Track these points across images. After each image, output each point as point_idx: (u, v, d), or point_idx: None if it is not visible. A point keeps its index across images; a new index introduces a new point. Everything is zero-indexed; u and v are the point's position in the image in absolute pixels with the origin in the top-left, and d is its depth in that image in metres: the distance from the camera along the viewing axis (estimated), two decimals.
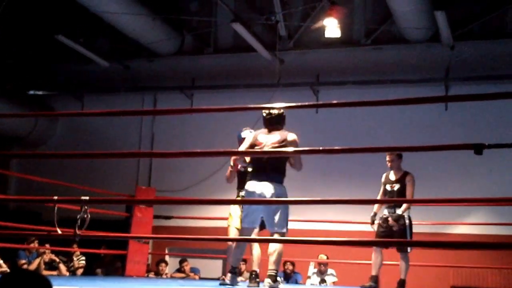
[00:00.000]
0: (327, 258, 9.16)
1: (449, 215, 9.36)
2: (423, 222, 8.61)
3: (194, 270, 9.69)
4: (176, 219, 9.37)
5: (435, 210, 9.45)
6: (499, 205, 8.99)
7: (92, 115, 10.59)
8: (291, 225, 9.54)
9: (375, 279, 6.59)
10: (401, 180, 6.70)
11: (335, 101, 7.46)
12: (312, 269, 9.23)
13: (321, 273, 9.10)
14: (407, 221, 6.51)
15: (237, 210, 6.11)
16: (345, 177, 10.41)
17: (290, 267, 9.37)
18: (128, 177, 11.50)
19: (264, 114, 5.54)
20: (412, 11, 9.56)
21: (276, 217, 5.30)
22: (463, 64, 10.21)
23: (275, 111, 5.51)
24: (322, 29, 10.04)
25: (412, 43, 10.57)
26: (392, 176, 6.79)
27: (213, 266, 10.70)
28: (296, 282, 9.10)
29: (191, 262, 9.77)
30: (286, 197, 5.38)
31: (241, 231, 5.64)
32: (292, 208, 10.22)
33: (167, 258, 10.39)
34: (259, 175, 5.34)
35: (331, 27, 9.77)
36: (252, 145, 5.41)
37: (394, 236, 6.42)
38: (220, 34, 11.75)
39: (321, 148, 4.87)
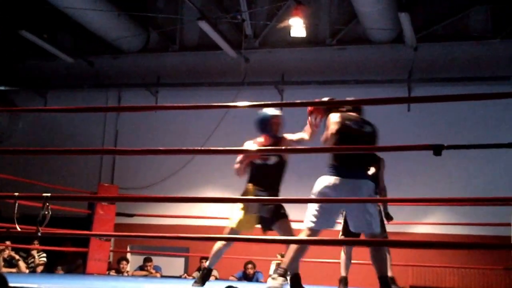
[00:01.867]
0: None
1: (410, 215, 9.47)
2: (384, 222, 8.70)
3: (156, 268, 9.65)
4: (139, 216, 9.31)
5: (396, 209, 9.54)
6: (458, 205, 9.14)
7: (55, 112, 10.48)
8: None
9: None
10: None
11: (299, 101, 7.50)
12: (273, 268, 9.25)
13: None
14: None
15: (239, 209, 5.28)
16: (308, 176, 10.45)
17: (251, 267, 9.37)
18: (91, 174, 11.40)
19: None
20: (377, 12, 9.66)
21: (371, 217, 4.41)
22: (426, 66, 10.36)
23: None
24: (287, 29, 10.12)
25: (376, 43, 10.70)
26: None
27: (175, 264, 10.68)
28: (258, 281, 9.11)
29: (153, 260, 9.72)
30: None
31: (312, 233, 4.56)
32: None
33: (128, 256, 10.33)
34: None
35: (297, 26, 9.85)
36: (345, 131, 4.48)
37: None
38: (186, 31, 11.72)
39: (283, 147, 4.90)
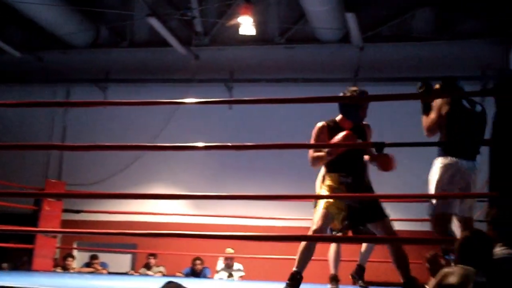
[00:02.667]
0: (234, 252, 9.29)
1: None
2: None
3: (102, 265, 9.62)
4: (86, 213, 9.25)
5: None
6: (406, 201, 9.35)
7: (2, 106, 10.29)
8: (202, 220, 9.71)
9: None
10: None
11: (248, 98, 7.61)
12: (220, 264, 9.34)
13: (228, 267, 9.22)
14: None
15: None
16: (257, 172, 10.58)
17: (199, 263, 9.43)
18: (38, 170, 11.27)
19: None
20: (324, 12, 9.83)
21: None
22: (371, 65, 10.59)
23: None
24: (237, 27, 10.20)
25: (324, 43, 10.88)
26: None
27: (122, 261, 10.66)
28: (205, 277, 9.18)
29: (100, 257, 9.69)
30: None
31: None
32: (204, 203, 10.40)
33: (75, 252, 10.26)
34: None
35: (246, 25, 9.94)
36: None
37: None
38: (136, 28, 11.69)
39: (230, 144, 4.92)
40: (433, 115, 4.58)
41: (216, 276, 9.18)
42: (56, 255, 9.37)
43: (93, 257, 9.55)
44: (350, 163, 4.62)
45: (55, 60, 11.87)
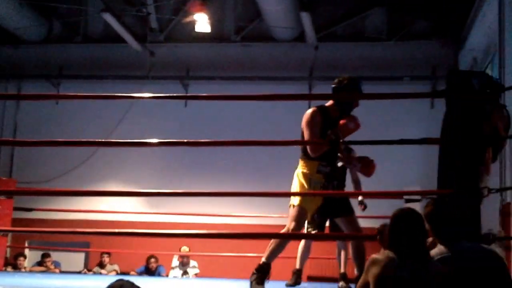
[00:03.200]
0: (189, 250, 9.28)
1: None
2: (284, 215, 8.97)
3: (55, 264, 9.47)
4: (38, 211, 9.09)
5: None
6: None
7: None
8: (157, 218, 9.66)
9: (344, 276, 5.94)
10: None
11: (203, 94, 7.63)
12: (175, 261, 9.31)
13: (183, 265, 9.20)
14: None
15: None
16: (212, 170, 10.58)
17: (153, 262, 9.38)
18: None
19: None
20: (280, 10, 9.90)
21: None
22: (326, 64, 10.69)
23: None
24: (193, 24, 10.18)
25: (280, 41, 10.95)
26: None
27: (75, 259, 10.53)
28: (160, 275, 9.14)
29: (52, 255, 9.54)
30: None
31: None
32: (159, 201, 10.34)
33: (26, 251, 10.09)
34: None
35: (201, 22, 9.94)
36: None
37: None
38: (90, 23, 11.56)
39: (185, 140, 4.93)
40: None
41: (171, 274, 9.15)
42: (6, 254, 9.20)
43: (45, 256, 9.39)
44: (331, 153, 4.58)
45: (7, 55, 11.65)
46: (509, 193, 6.32)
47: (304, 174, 4.53)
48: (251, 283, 4.36)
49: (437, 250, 3.12)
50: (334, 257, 9.33)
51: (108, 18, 10.13)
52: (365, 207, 6.31)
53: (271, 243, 4.47)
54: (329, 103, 4.61)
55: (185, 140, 4.74)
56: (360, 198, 6.33)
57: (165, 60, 11.16)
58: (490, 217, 6.56)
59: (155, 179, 10.45)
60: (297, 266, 5.85)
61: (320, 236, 5.90)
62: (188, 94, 10.78)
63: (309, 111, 4.53)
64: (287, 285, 5.79)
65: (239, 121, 10.62)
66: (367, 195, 7.06)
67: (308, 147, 4.47)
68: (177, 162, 10.69)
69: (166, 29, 11.28)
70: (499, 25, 6.98)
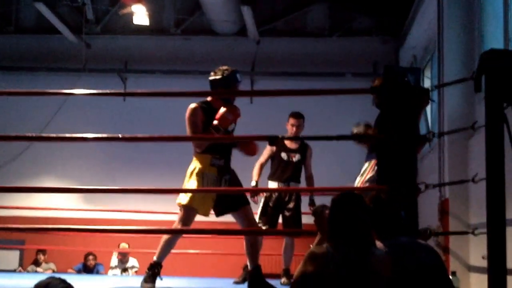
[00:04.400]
0: (129, 247, 9.13)
1: None
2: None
3: None
4: None
5: None
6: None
7: None
8: (94, 215, 9.44)
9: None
10: (301, 150, 6.08)
11: (140, 90, 7.50)
12: (114, 259, 9.13)
13: (123, 263, 9.03)
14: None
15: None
16: (149, 166, 10.42)
17: (92, 259, 9.18)
18: None
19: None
20: (220, 4, 9.79)
21: None
22: (268, 59, 10.65)
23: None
24: (131, 15, 9.97)
25: (221, 35, 10.85)
26: (291, 144, 6.08)
27: (9, 257, 10.19)
28: (98, 273, 8.95)
29: None
30: None
31: None
32: (95, 197, 10.12)
33: None
34: None
35: (139, 14, 9.75)
36: None
37: (288, 215, 5.91)
38: (23, 13, 11.16)
39: (120, 135, 4.79)
40: None
41: (110, 272, 8.96)
42: None
43: None
44: (224, 145, 4.61)
45: None
46: (448, 189, 6.43)
47: (196, 171, 4.51)
48: (142, 281, 4.44)
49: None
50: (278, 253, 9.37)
51: (41, 8, 9.77)
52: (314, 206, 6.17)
53: (162, 242, 4.50)
54: (209, 98, 4.73)
55: (120, 136, 4.58)
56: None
57: (102, 52, 10.86)
58: (429, 213, 6.68)
59: (91, 174, 10.21)
60: (283, 266, 6.03)
61: (266, 232, 5.92)
62: (126, 91, 10.49)
63: (191, 106, 4.64)
64: (234, 282, 5.79)
65: (178, 115, 10.44)
66: (305, 191, 7.08)
67: (193, 143, 4.58)
68: (114, 158, 10.46)
69: (102, 20, 11.01)
70: (438, 23, 7.07)
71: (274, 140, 5.40)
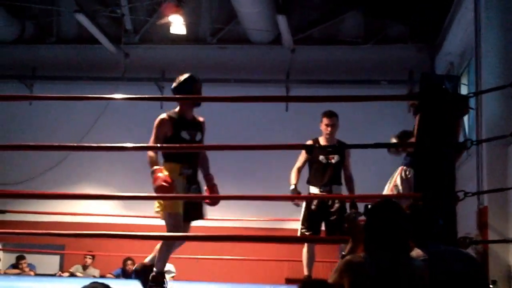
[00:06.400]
0: None
1: (284, 211, 9.79)
2: (260, 218, 9.02)
3: (29, 266, 9.38)
4: (11, 213, 8.98)
5: (272, 206, 9.82)
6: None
7: None
8: (132, 221, 9.59)
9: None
10: (339, 151, 5.83)
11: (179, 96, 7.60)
12: None
13: None
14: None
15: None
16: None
17: (130, 264, 9.33)
18: None
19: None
20: (256, 13, 9.90)
21: None
22: (302, 67, 10.74)
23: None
24: (168, 25, 10.14)
25: (256, 44, 10.97)
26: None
27: (50, 262, 10.41)
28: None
29: (27, 258, 9.45)
30: None
31: None
32: (134, 203, 10.26)
33: (0, 253, 9.95)
34: None
35: (177, 24, 9.90)
36: None
37: (332, 220, 5.69)
38: (64, 24, 11.45)
39: (159, 145, 4.85)
40: None
41: None
42: None
43: (20, 258, 9.30)
44: (192, 155, 4.70)
45: None
46: (486, 197, 6.39)
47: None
48: None
49: (414, 254, 3.02)
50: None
51: (82, 18, 10.05)
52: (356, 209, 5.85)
53: (158, 250, 4.56)
54: (178, 108, 4.77)
55: (159, 145, 4.67)
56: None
57: (140, 61, 11.08)
58: (467, 221, 6.64)
59: (130, 182, 10.36)
60: (306, 272, 5.76)
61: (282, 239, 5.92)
62: (163, 96, 10.73)
63: (160, 117, 4.70)
64: None
65: (214, 123, 10.55)
66: (337, 198, 7.10)
67: (148, 152, 4.59)
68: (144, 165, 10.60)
69: (140, 31, 11.22)
70: (475, 30, 7.07)
71: (311, 150, 5.45)
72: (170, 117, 4.66)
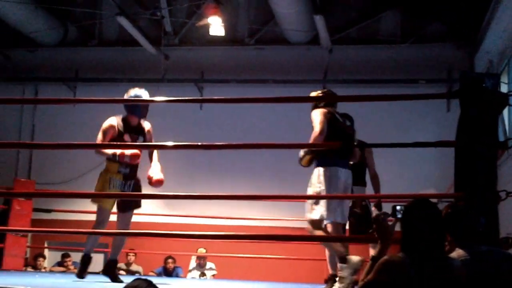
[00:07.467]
0: (206, 251, 9.39)
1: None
2: (295, 218, 9.10)
3: (74, 264, 9.59)
4: (57, 212, 9.23)
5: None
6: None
7: None
8: (173, 220, 9.75)
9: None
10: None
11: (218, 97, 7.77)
12: (193, 263, 9.42)
13: (201, 266, 9.31)
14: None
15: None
16: (229, 172, 10.67)
17: (171, 262, 9.50)
18: (7, 168, 11.16)
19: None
20: (293, 13, 9.97)
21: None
22: (340, 67, 10.77)
23: None
24: (207, 27, 10.28)
25: (293, 44, 11.03)
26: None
27: (94, 260, 10.61)
28: (177, 276, 9.26)
29: (72, 256, 9.68)
30: None
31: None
32: (176, 202, 10.42)
33: (46, 252, 10.22)
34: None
35: (215, 25, 10.04)
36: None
37: (353, 220, 5.78)
38: (105, 27, 11.70)
39: (200, 143, 4.98)
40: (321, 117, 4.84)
41: (189, 275, 9.26)
42: (26, 254, 9.34)
43: (65, 256, 9.52)
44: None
45: (23, 58, 11.79)
46: None
47: (106, 174, 5.49)
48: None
49: (455, 254, 3.03)
50: None
51: (123, 21, 10.26)
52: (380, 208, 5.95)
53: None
54: (125, 114, 5.74)
55: (200, 143, 4.79)
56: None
57: (179, 63, 11.27)
58: (508, 222, 6.59)
59: (172, 181, 10.49)
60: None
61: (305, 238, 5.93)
62: (202, 98, 10.90)
63: (108, 120, 5.69)
64: None
65: (253, 123, 10.71)
66: (375, 198, 7.13)
67: (97, 151, 5.56)
68: (194, 164, 10.78)
69: (180, 32, 11.40)
70: None
71: (350, 147, 5.49)
72: (118, 124, 5.64)
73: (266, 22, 11.09)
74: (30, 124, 11.62)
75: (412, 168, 10.05)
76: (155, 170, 5.70)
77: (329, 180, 4.75)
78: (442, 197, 5.17)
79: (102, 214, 5.51)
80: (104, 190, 5.44)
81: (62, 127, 11.17)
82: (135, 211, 9.65)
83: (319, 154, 4.82)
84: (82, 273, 5.71)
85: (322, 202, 4.72)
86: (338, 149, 4.85)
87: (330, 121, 4.82)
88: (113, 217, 5.72)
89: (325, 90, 5.24)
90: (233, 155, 10.43)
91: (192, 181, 10.47)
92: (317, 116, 4.83)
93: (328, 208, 4.71)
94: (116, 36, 11.63)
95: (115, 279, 5.61)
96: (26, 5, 10.32)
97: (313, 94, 5.17)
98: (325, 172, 4.78)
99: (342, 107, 10.09)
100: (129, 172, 5.53)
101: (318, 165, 4.85)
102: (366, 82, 10.48)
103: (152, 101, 5.68)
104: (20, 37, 11.30)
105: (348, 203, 5.16)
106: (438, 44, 10.54)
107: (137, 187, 5.64)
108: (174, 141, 4.89)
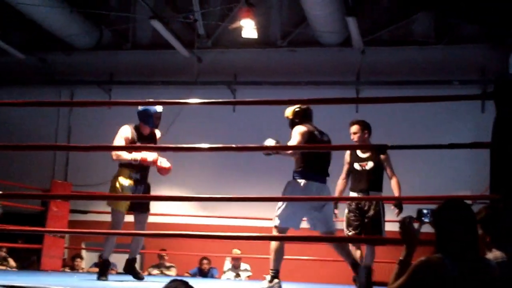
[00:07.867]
0: (241, 252, 9.44)
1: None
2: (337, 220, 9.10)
3: (111, 266, 9.71)
4: (93, 213, 9.39)
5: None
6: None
7: (7, 106, 10.40)
8: (208, 221, 9.83)
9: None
10: (374, 157, 5.96)
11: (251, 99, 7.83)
12: (228, 264, 9.48)
13: (236, 267, 9.36)
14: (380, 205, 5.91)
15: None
16: (262, 174, 10.69)
17: (206, 263, 9.58)
18: (44, 170, 11.38)
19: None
20: (326, 15, 9.98)
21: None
22: (372, 69, 10.76)
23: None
24: (239, 29, 10.36)
25: (326, 46, 11.04)
26: (363, 153, 6.04)
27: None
28: (212, 277, 9.33)
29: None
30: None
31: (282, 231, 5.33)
32: (210, 204, 10.48)
33: (83, 252, 10.38)
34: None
35: (248, 28, 10.09)
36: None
37: (368, 222, 5.90)
38: (139, 30, 11.84)
39: (234, 145, 5.04)
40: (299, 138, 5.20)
41: (224, 276, 9.32)
42: (64, 255, 9.51)
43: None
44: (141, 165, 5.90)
45: (59, 62, 11.99)
46: None
47: (118, 179, 5.92)
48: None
49: (492, 255, 3.05)
50: (389, 261, 9.41)
51: (156, 25, 10.38)
52: (400, 211, 5.85)
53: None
54: (138, 122, 6.16)
55: (234, 145, 4.85)
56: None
57: (212, 65, 11.36)
58: None
59: (206, 183, 10.61)
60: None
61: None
62: (235, 100, 10.97)
63: (124, 127, 6.15)
64: None
65: (286, 125, 10.71)
66: (405, 200, 7.11)
67: (112, 154, 6.00)
68: (227, 166, 10.85)
69: (213, 35, 11.49)
70: None
71: (384, 149, 5.54)
72: (132, 130, 6.11)
73: (298, 24, 11.12)
74: (66, 127, 11.83)
75: (446, 170, 9.98)
76: (163, 159, 6.07)
77: (293, 191, 5.21)
78: (477, 199, 5.14)
79: (117, 216, 5.93)
80: (120, 191, 5.87)
81: (97, 129, 11.32)
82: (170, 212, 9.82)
83: (297, 166, 5.29)
84: (103, 276, 6.06)
85: (279, 210, 5.28)
86: (314, 164, 5.19)
87: (307, 141, 5.19)
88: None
89: (301, 106, 5.55)
90: (267, 157, 10.45)
91: (227, 183, 10.54)
92: (296, 136, 5.24)
93: (281, 216, 5.25)
94: (150, 40, 11.77)
95: (137, 275, 6.13)
96: (62, 9, 10.51)
97: (289, 110, 5.62)
98: (294, 183, 5.25)
99: (374, 109, 10.16)
100: (140, 177, 5.96)
101: (293, 177, 5.28)
102: (399, 83, 10.44)
103: (186, 103, 5.88)
104: (56, 40, 11.51)
105: (331, 213, 5.47)
106: (472, 45, 10.47)
107: (147, 191, 6.10)
108: (208, 143, 4.95)
